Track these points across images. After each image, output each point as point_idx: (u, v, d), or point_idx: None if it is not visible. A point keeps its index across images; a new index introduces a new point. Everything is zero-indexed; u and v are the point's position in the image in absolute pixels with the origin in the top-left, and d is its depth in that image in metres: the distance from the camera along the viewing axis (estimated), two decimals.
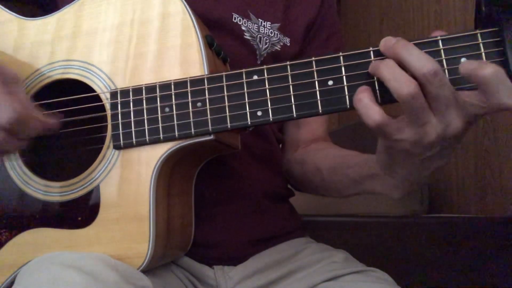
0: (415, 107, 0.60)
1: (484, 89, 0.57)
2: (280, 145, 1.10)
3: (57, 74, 0.81)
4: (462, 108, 0.60)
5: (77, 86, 0.80)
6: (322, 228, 1.51)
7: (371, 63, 0.64)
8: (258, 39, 0.98)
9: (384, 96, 0.63)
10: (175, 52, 0.76)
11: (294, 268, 0.92)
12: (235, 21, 0.96)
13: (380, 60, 0.62)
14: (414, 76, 0.59)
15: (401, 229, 1.54)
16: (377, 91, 0.64)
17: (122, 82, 0.77)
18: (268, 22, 1.00)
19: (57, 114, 0.77)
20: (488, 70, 0.56)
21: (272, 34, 1.00)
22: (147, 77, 0.76)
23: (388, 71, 0.60)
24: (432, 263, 1.49)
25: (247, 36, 0.96)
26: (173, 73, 0.75)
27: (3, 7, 0.87)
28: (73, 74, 0.80)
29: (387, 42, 0.62)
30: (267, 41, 0.99)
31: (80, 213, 0.76)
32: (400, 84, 0.59)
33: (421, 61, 0.58)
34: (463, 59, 0.61)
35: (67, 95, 0.79)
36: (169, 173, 0.77)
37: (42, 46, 0.83)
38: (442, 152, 0.65)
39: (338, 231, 1.54)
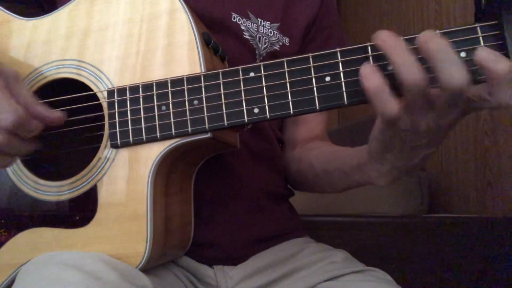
0: (417, 98, 0.60)
1: (492, 83, 0.57)
2: (280, 145, 1.10)
3: (54, 74, 0.81)
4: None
5: (76, 86, 0.80)
6: (322, 228, 1.51)
7: (380, 36, 0.61)
8: (257, 39, 0.97)
9: None
10: (171, 50, 0.76)
11: (294, 268, 0.92)
12: (235, 20, 0.96)
13: (392, 38, 0.60)
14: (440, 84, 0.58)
15: (401, 229, 1.54)
16: None
17: (131, 79, 0.77)
18: (267, 22, 1.00)
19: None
20: (503, 65, 0.55)
21: (272, 34, 0.99)
22: (144, 76, 0.76)
23: (399, 55, 0.59)
24: (432, 263, 1.49)
25: (246, 35, 0.96)
26: (169, 71, 0.75)
27: (3, 9, 0.87)
28: (77, 74, 0.80)
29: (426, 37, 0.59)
30: (266, 40, 0.99)
31: (78, 212, 0.76)
32: (410, 71, 0.58)
33: (452, 73, 0.57)
34: (462, 53, 0.60)
35: (66, 95, 0.79)
36: (167, 171, 0.76)
37: (43, 45, 0.83)
38: (433, 140, 0.66)
39: (338, 231, 1.54)
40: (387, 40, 0.60)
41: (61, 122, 0.75)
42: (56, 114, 0.74)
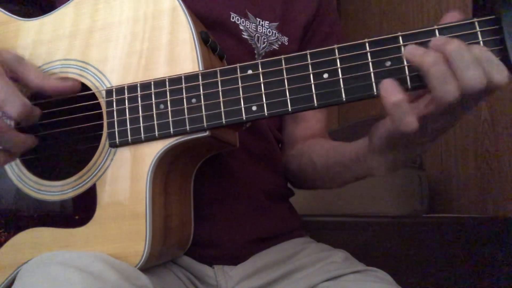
0: (449, 109, 0.60)
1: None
2: (280, 145, 1.10)
3: (57, 73, 0.81)
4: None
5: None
6: (322, 228, 1.51)
7: (408, 46, 0.62)
8: (256, 38, 0.97)
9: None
10: (171, 48, 0.76)
11: (294, 268, 0.92)
12: (233, 20, 0.96)
13: (423, 49, 0.61)
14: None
15: (401, 229, 1.54)
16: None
17: (133, 78, 0.77)
18: (266, 21, 1.00)
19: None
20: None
21: (270, 33, 0.99)
22: (146, 75, 0.76)
23: (438, 69, 0.59)
24: (432, 263, 1.49)
25: (245, 35, 0.96)
26: (167, 70, 0.75)
27: (3, 10, 0.88)
28: (79, 75, 0.80)
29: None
30: (265, 40, 0.99)
31: (77, 212, 0.76)
32: (447, 89, 0.58)
33: (471, 76, 0.58)
34: None
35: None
36: (166, 170, 0.76)
37: (46, 44, 0.83)
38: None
39: (338, 231, 1.54)
40: (417, 53, 0.61)
41: (77, 89, 0.77)
42: (69, 83, 0.76)
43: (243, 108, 0.69)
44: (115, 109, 0.75)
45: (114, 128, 0.75)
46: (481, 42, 0.60)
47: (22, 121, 0.71)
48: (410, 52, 0.62)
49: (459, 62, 0.58)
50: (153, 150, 0.73)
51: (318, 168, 0.95)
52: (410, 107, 0.61)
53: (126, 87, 0.75)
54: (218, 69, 0.71)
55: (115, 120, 0.75)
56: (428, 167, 2.13)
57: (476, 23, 0.60)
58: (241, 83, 0.70)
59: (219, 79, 0.71)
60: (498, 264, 1.47)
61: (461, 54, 0.58)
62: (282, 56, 0.68)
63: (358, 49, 0.65)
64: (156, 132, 0.73)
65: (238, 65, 0.70)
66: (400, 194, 1.75)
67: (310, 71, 0.66)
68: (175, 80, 0.73)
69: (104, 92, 0.77)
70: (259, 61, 0.69)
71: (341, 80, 0.65)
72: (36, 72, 0.74)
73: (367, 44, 0.64)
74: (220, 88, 0.70)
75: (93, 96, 0.78)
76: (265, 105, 0.68)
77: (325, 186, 1.01)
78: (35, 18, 0.85)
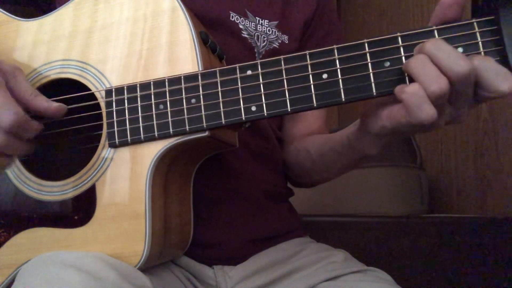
0: (439, 103, 0.60)
1: (481, 82, 0.58)
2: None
3: (57, 73, 0.81)
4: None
5: (79, 86, 0.80)
6: (322, 228, 1.51)
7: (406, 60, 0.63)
8: (256, 37, 0.98)
9: None
10: (171, 49, 0.76)
11: (294, 268, 0.92)
12: (233, 19, 0.96)
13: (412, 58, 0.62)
14: (444, 74, 0.59)
15: (401, 229, 1.54)
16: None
17: (133, 78, 0.77)
18: (266, 20, 1.00)
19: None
20: (475, 61, 0.58)
21: (270, 32, 1.00)
22: (146, 75, 0.76)
23: (417, 65, 0.60)
24: (432, 263, 1.49)
25: (244, 34, 0.97)
26: (167, 71, 0.75)
27: (2, 10, 0.88)
28: (79, 76, 0.80)
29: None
30: (265, 39, 0.99)
31: (77, 212, 0.76)
32: (430, 80, 0.59)
33: (454, 60, 0.58)
34: (460, 49, 0.61)
35: (67, 94, 0.79)
36: (165, 171, 0.76)
37: (46, 44, 0.83)
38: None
39: (338, 231, 1.54)
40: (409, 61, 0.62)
41: (62, 113, 0.75)
42: (55, 105, 0.74)
43: (242, 109, 0.69)
44: (114, 110, 0.75)
45: (114, 128, 0.75)
46: (480, 42, 0.60)
47: (17, 131, 0.70)
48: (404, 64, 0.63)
49: (438, 53, 0.59)
50: (152, 150, 0.73)
51: (314, 157, 0.96)
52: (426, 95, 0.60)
53: (125, 87, 0.75)
54: (217, 69, 0.71)
55: (115, 120, 0.75)
56: (428, 167, 2.13)
57: (475, 24, 0.60)
58: (241, 84, 0.70)
59: (218, 79, 0.71)
60: (498, 264, 1.47)
61: (438, 46, 0.59)
62: (282, 57, 0.68)
63: (357, 50, 0.65)
64: (156, 133, 0.73)
65: (237, 65, 0.70)
66: (400, 194, 1.75)
67: (310, 71, 0.66)
68: (175, 81, 0.73)
69: (103, 93, 0.77)
70: (258, 61, 0.69)
71: (340, 80, 0.65)
72: (26, 88, 0.73)
73: (366, 45, 0.64)
74: (219, 89, 0.70)
75: (93, 97, 0.78)
76: (264, 105, 0.68)
77: (322, 178, 1.01)
78: (34, 18, 0.85)
